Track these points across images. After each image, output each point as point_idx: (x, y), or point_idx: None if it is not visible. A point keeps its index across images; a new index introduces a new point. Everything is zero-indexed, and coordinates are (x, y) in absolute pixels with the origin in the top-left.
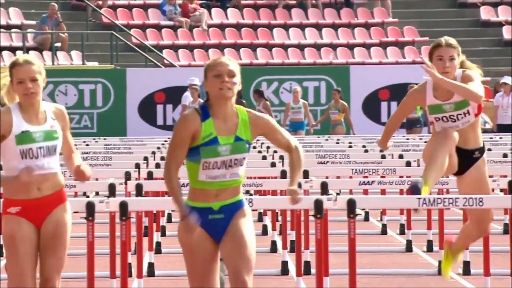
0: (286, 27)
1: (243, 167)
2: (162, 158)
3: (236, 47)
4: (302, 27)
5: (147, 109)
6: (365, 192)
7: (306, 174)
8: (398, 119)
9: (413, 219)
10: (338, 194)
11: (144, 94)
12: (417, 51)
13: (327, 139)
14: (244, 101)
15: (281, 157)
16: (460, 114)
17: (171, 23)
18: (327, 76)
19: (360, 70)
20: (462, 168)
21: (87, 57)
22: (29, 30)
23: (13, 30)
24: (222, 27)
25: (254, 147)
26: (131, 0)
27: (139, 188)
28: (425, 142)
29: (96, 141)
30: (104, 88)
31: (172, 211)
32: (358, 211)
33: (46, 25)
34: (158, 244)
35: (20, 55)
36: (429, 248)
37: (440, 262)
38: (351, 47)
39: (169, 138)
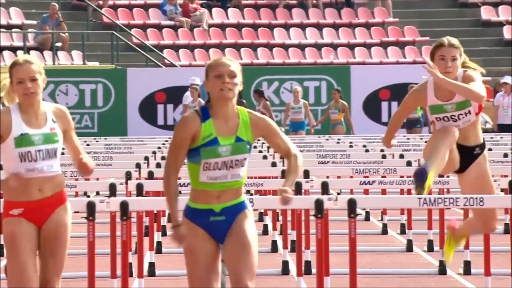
0: (286, 27)
1: (244, 168)
2: (162, 158)
3: (237, 47)
4: (302, 27)
5: (147, 109)
6: (366, 192)
7: (306, 174)
8: (399, 119)
9: (414, 219)
10: (338, 194)
11: (145, 94)
12: (418, 51)
13: (327, 139)
14: (244, 101)
15: (282, 157)
16: (462, 114)
17: (171, 23)
18: (327, 76)
19: (361, 70)
20: (463, 165)
21: (87, 57)
22: (29, 30)
23: (13, 30)
24: (222, 27)
25: (255, 147)
26: (131, 0)
27: (139, 188)
28: (426, 142)
29: (96, 141)
30: (105, 88)
31: None
32: (358, 210)
33: (47, 25)
34: (159, 244)
35: (21, 55)
36: (430, 248)
37: (440, 261)
38: (351, 47)
39: (169, 137)
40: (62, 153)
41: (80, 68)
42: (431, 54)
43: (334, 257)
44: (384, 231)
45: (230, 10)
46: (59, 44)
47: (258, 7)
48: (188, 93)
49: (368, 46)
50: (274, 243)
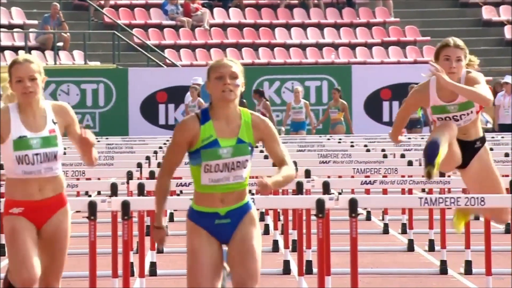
0: (288, 26)
1: (247, 170)
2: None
3: (238, 46)
4: (304, 26)
5: (149, 108)
6: (367, 191)
7: (308, 174)
8: (403, 119)
9: (415, 219)
10: (340, 193)
11: (146, 94)
12: (419, 51)
13: (329, 139)
14: (244, 101)
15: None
16: (464, 115)
17: (173, 22)
18: (329, 75)
19: (362, 70)
20: (466, 160)
21: (89, 56)
22: (31, 29)
23: (15, 29)
24: (224, 26)
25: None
26: (133, 0)
27: (141, 187)
28: (426, 141)
29: (98, 141)
30: (106, 87)
31: (174, 210)
32: (360, 210)
33: (48, 24)
34: None
35: (21, 55)
36: (431, 248)
37: (441, 261)
38: (353, 46)
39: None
40: (64, 153)
41: (82, 68)
42: (436, 54)
43: (335, 256)
44: (385, 231)
45: (231, 10)
46: (60, 44)
47: (259, 7)
48: (189, 93)
49: (369, 46)
50: (275, 242)
